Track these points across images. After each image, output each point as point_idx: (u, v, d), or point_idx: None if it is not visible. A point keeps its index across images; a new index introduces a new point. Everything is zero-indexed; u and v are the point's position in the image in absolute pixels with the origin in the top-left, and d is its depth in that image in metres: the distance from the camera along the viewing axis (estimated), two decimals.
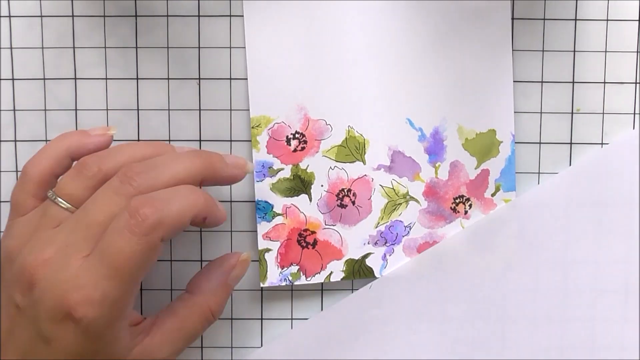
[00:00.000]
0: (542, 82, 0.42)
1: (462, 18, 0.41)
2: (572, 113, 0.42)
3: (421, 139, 0.41)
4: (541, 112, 0.42)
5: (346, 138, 0.41)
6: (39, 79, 0.42)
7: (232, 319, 0.43)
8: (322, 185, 0.42)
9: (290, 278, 0.42)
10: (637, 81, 0.42)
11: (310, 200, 0.42)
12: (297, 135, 0.41)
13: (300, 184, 0.41)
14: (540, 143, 0.42)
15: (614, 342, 0.42)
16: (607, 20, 0.41)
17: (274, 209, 0.42)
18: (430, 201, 0.42)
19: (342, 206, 0.42)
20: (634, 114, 0.42)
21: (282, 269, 0.42)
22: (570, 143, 0.42)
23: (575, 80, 0.42)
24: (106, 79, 0.42)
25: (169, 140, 0.42)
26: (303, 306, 0.43)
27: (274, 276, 0.42)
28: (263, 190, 0.41)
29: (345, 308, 0.42)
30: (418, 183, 0.42)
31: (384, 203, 0.42)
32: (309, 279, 0.42)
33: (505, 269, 0.42)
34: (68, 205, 0.35)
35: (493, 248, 0.42)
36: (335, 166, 0.41)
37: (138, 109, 0.42)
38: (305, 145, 0.41)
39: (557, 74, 0.42)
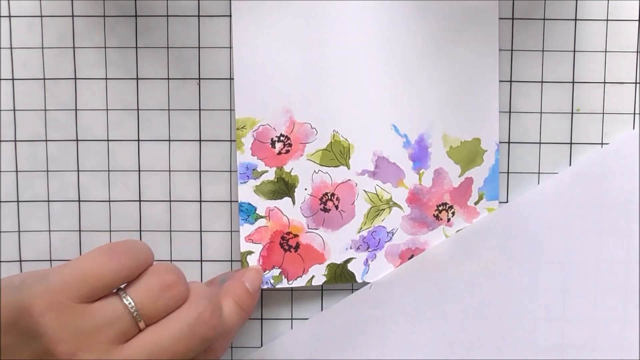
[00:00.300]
0: (542, 82, 0.42)
1: (450, 27, 0.41)
2: (572, 113, 0.42)
3: (406, 146, 0.41)
4: (541, 112, 0.42)
5: (331, 142, 0.41)
6: (39, 79, 0.42)
7: None
8: (305, 189, 0.42)
9: (272, 281, 0.42)
10: (637, 81, 0.42)
11: (294, 203, 0.42)
12: (282, 138, 0.41)
13: (284, 187, 0.41)
14: (540, 143, 0.42)
15: (614, 342, 0.42)
16: (607, 20, 0.41)
17: (257, 211, 0.42)
18: (414, 208, 0.42)
19: (326, 210, 0.42)
20: (634, 114, 0.42)
21: (264, 271, 0.42)
22: (570, 143, 0.42)
23: (575, 80, 0.42)
24: (106, 79, 0.42)
25: (169, 140, 0.42)
26: (303, 306, 0.43)
27: None
28: (246, 192, 0.41)
29: (345, 308, 0.42)
30: (402, 189, 0.42)
31: (367, 208, 0.42)
32: (290, 282, 0.42)
33: (505, 269, 0.42)
34: (143, 325, 0.33)
35: (493, 248, 0.42)
36: (319, 170, 0.41)
37: (138, 109, 0.42)
38: (290, 148, 0.41)
39: (557, 74, 0.42)
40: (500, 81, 0.41)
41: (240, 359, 0.43)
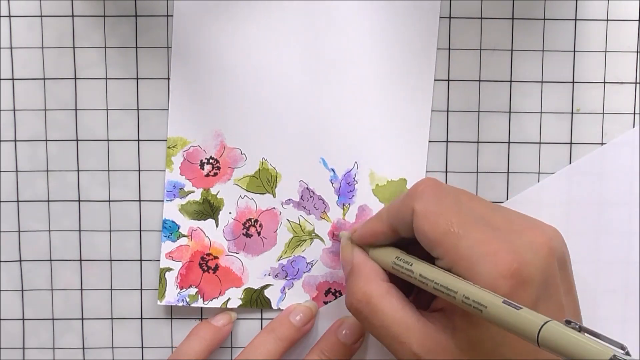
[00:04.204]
0: (542, 82, 0.42)
1: (386, 62, 0.41)
2: (572, 113, 0.42)
3: (333, 180, 0.42)
4: (541, 112, 0.42)
5: (259, 169, 0.42)
6: (39, 79, 0.42)
7: None
8: (230, 213, 0.42)
9: (187, 299, 0.42)
10: (637, 81, 0.42)
11: (217, 225, 0.42)
12: (211, 161, 0.42)
13: (208, 209, 0.42)
14: (540, 143, 0.42)
15: None
16: (607, 20, 0.41)
17: (179, 230, 0.42)
18: (335, 242, 0.42)
19: (248, 235, 0.42)
20: (634, 114, 0.42)
21: (181, 289, 0.42)
22: (570, 143, 0.42)
23: (575, 80, 0.42)
24: (106, 79, 0.42)
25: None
26: None
27: (172, 295, 0.42)
28: (171, 210, 0.42)
29: (344, 305, 0.42)
30: (325, 222, 0.42)
31: (289, 237, 0.42)
32: (206, 302, 0.42)
33: None
34: None
35: None
36: (245, 195, 0.42)
37: (138, 109, 0.42)
38: (218, 171, 0.42)
39: (557, 74, 0.42)
40: (500, 81, 0.41)
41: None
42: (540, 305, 0.32)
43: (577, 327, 0.28)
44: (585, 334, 0.28)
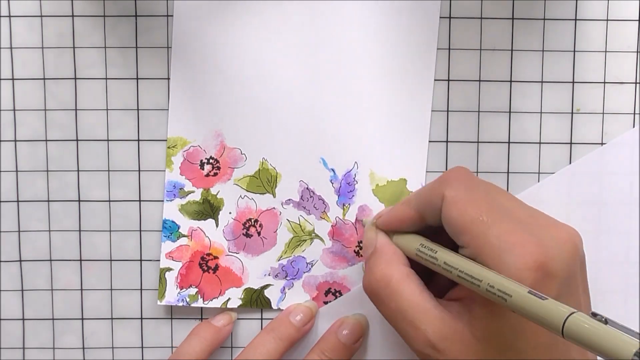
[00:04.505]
0: (542, 82, 0.42)
1: (387, 61, 0.41)
2: (572, 113, 0.42)
3: (333, 180, 0.42)
4: (541, 112, 0.42)
5: (259, 169, 0.42)
6: (39, 79, 0.42)
7: None
8: (230, 213, 0.42)
9: (187, 299, 0.42)
10: (637, 81, 0.42)
11: (217, 225, 0.42)
12: (211, 161, 0.42)
13: (208, 209, 0.42)
14: (540, 143, 0.42)
15: None
16: (607, 20, 0.41)
17: (179, 230, 0.42)
18: (335, 242, 0.42)
19: (248, 235, 0.42)
20: (634, 114, 0.42)
21: (181, 289, 0.42)
22: (570, 143, 0.42)
23: (575, 80, 0.42)
24: (106, 78, 0.42)
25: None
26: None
27: (172, 296, 0.42)
28: (171, 210, 0.42)
29: (344, 305, 0.42)
30: (325, 222, 0.42)
31: (289, 237, 0.42)
32: (206, 302, 0.42)
33: None
34: None
35: None
36: (245, 195, 0.42)
37: (138, 109, 0.42)
38: (218, 171, 0.42)
39: (557, 74, 0.42)
40: (500, 81, 0.41)
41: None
42: (561, 301, 0.32)
43: (603, 319, 0.28)
44: (611, 327, 0.28)
